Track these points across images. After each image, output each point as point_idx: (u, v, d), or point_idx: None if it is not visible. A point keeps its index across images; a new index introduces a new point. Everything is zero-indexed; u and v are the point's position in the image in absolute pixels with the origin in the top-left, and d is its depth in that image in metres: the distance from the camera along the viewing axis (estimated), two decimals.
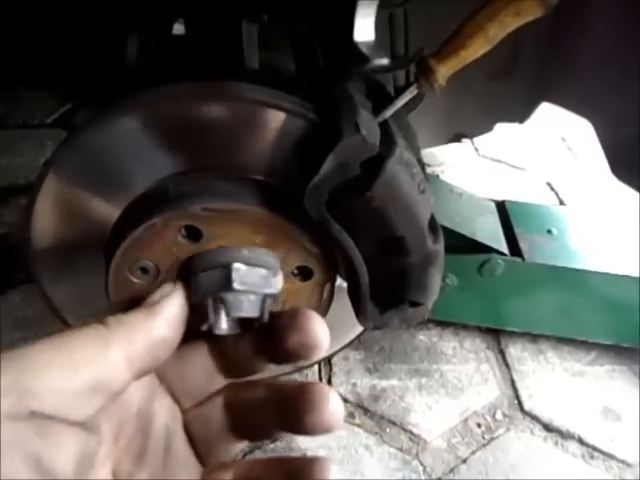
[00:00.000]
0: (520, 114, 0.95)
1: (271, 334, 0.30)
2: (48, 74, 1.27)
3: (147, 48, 0.62)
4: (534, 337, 0.95)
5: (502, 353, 0.94)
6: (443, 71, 0.47)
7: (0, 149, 1.25)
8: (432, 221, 0.50)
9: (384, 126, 0.48)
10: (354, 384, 0.86)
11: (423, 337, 0.95)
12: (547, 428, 0.83)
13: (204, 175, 0.48)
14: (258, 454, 0.74)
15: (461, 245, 0.82)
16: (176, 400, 0.31)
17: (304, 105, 0.46)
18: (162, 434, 0.30)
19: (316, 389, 0.28)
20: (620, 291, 0.86)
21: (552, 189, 1.39)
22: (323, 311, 0.51)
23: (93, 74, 0.99)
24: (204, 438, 0.31)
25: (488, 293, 0.87)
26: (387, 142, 0.46)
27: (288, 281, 0.47)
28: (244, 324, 0.31)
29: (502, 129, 1.01)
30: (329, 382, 0.86)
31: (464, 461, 0.77)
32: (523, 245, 0.87)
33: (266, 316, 0.32)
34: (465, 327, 0.96)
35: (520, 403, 0.86)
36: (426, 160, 0.62)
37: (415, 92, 0.48)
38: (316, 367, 0.87)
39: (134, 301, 0.29)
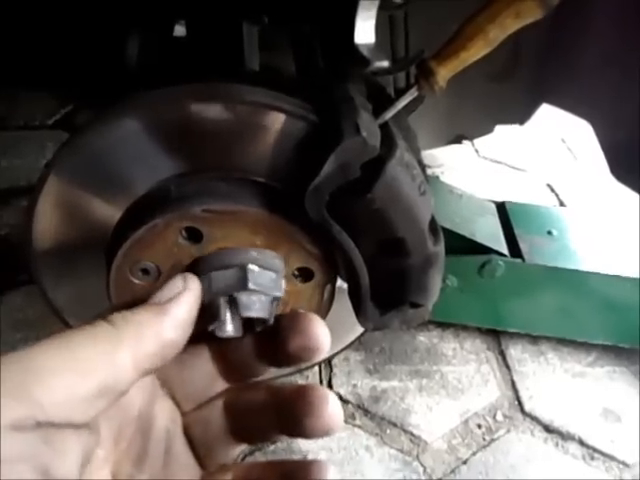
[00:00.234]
0: (520, 115, 0.95)
1: (272, 337, 0.30)
2: (49, 75, 1.27)
3: (148, 49, 0.62)
4: (534, 338, 0.95)
5: (502, 354, 0.94)
6: (443, 73, 0.47)
7: (1, 150, 1.25)
8: (432, 222, 0.50)
9: (384, 128, 0.48)
10: (354, 385, 0.86)
11: (423, 338, 0.95)
12: (547, 429, 0.83)
13: (205, 176, 0.48)
14: (258, 456, 0.74)
15: (461, 246, 0.82)
16: (176, 403, 0.31)
17: (304, 107, 0.46)
18: (162, 437, 0.30)
19: (315, 392, 0.28)
20: (620, 292, 0.86)
21: (552, 190, 1.39)
22: (324, 312, 0.51)
23: (94, 75, 0.99)
24: (204, 441, 0.31)
25: (488, 294, 0.87)
26: (387, 144, 0.46)
27: (289, 282, 0.47)
28: (247, 327, 0.31)
29: (502, 130, 1.01)
30: (330, 383, 0.86)
31: (464, 462, 0.77)
32: (523, 246, 0.87)
33: (272, 318, 0.32)
34: (465, 328, 0.96)
35: (520, 404, 0.86)
36: (426, 161, 0.62)
37: (415, 94, 0.49)
38: (317, 368, 0.87)
39: (135, 303, 0.28)
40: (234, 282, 0.30)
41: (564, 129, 1.57)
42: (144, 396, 0.30)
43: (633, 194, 0.81)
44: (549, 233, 0.92)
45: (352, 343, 0.67)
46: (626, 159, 0.78)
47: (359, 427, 0.80)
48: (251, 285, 0.30)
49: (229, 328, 0.30)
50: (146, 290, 0.31)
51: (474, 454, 0.78)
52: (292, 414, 0.28)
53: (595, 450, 0.80)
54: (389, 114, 0.49)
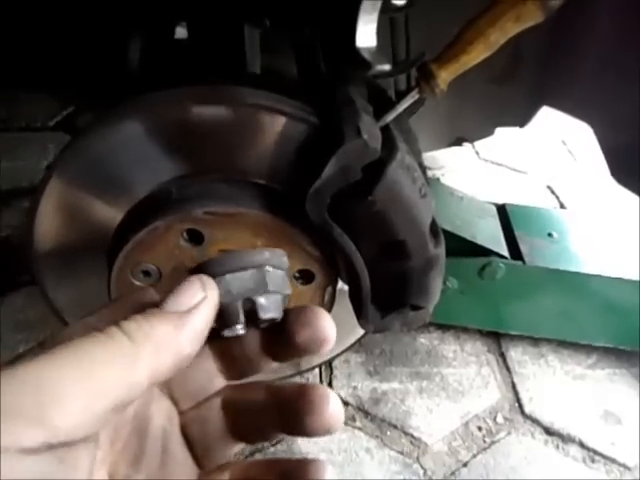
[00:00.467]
0: (521, 118, 0.95)
1: (278, 330, 0.30)
2: (50, 77, 1.28)
3: (149, 51, 0.63)
4: (535, 340, 0.95)
5: (503, 356, 0.94)
6: (444, 76, 0.47)
7: (2, 152, 1.25)
8: (433, 225, 0.50)
9: (385, 130, 0.48)
10: (355, 387, 0.86)
11: (424, 340, 0.95)
12: (548, 431, 0.83)
13: (206, 179, 0.48)
14: (259, 457, 0.74)
15: (462, 248, 0.82)
16: (174, 401, 0.31)
17: (306, 109, 0.46)
18: (159, 436, 0.30)
19: (316, 391, 0.28)
20: (620, 294, 0.86)
21: (553, 192, 1.39)
22: None
23: (95, 77, 0.99)
24: (201, 440, 0.31)
25: (489, 296, 0.87)
26: (388, 146, 0.46)
27: (290, 284, 0.47)
28: (252, 324, 0.30)
29: (503, 133, 1.01)
30: (330, 385, 0.86)
31: (465, 464, 0.77)
32: (524, 248, 0.87)
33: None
34: (466, 330, 0.96)
35: (521, 406, 0.86)
36: (427, 163, 0.62)
37: (416, 96, 0.49)
38: (317, 370, 0.87)
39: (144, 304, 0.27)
40: (254, 285, 0.29)
41: (564, 131, 1.57)
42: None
43: (633, 196, 0.81)
44: (550, 235, 0.92)
45: (353, 345, 0.67)
46: (626, 161, 0.78)
47: (359, 429, 0.80)
48: (271, 287, 0.30)
49: (239, 328, 0.30)
50: (158, 289, 0.30)
51: (474, 456, 0.78)
52: (293, 412, 0.28)
53: (596, 452, 0.80)
54: (390, 117, 0.49)
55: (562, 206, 1.34)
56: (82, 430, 0.22)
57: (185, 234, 0.47)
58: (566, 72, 0.84)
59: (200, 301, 0.27)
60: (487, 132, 1.01)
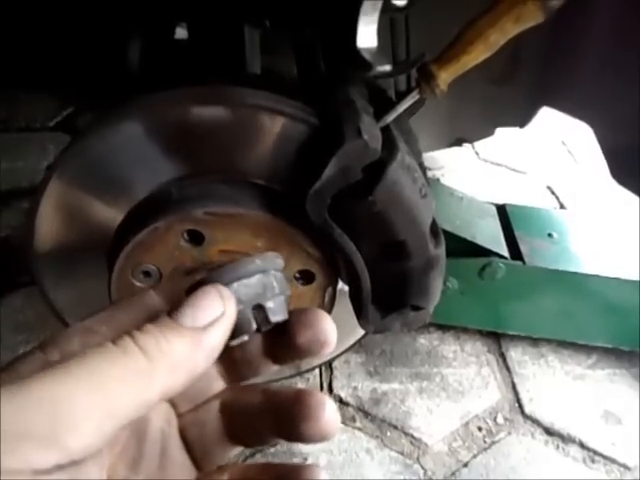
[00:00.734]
0: (520, 118, 0.95)
1: (279, 333, 0.30)
2: (50, 77, 1.28)
3: (149, 52, 0.63)
4: (535, 341, 0.95)
5: (503, 357, 0.94)
6: (444, 76, 0.47)
7: (2, 152, 1.25)
8: (433, 225, 0.50)
9: (386, 131, 0.48)
10: (355, 387, 0.86)
11: (424, 341, 0.95)
12: (548, 432, 0.83)
13: (206, 179, 0.48)
14: (259, 458, 0.74)
15: (462, 249, 0.83)
16: (173, 404, 0.31)
17: (306, 110, 0.46)
18: (157, 438, 0.30)
19: (312, 396, 0.28)
20: (620, 295, 0.86)
21: (552, 193, 1.39)
22: None
23: (95, 77, 0.99)
24: (200, 442, 0.31)
25: (489, 297, 0.88)
26: (389, 147, 0.46)
27: (290, 285, 0.47)
28: (258, 329, 0.30)
29: (503, 133, 1.01)
30: (330, 386, 0.86)
31: (465, 465, 0.77)
32: (524, 249, 0.87)
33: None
34: (466, 331, 0.96)
35: (521, 407, 0.86)
36: (427, 164, 0.62)
37: (416, 97, 0.49)
38: (317, 371, 0.87)
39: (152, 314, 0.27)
40: (263, 290, 0.29)
41: (564, 132, 1.57)
42: None
43: (633, 197, 0.81)
44: (549, 235, 0.92)
45: (353, 345, 0.67)
46: (626, 162, 0.78)
47: (360, 430, 0.80)
48: (277, 290, 0.30)
49: (246, 335, 0.29)
50: (166, 293, 0.29)
51: (475, 457, 0.78)
52: (289, 418, 0.28)
53: (596, 453, 0.80)
54: (390, 117, 0.49)
55: (562, 206, 1.34)
56: (93, 449, 0.22)
57: (185, 235, 0.47)
58: (566, 72, 0.84)
59: (219, 317, 0.26)
60: (487, 132, 1.01)
